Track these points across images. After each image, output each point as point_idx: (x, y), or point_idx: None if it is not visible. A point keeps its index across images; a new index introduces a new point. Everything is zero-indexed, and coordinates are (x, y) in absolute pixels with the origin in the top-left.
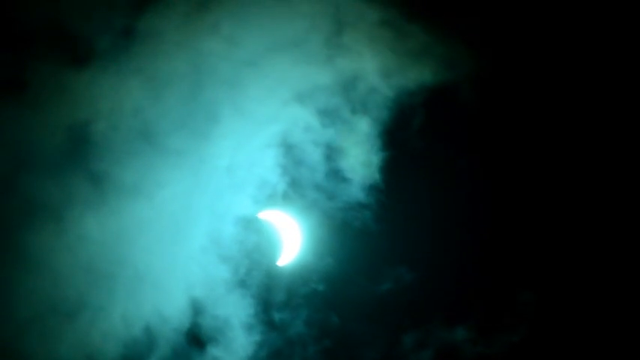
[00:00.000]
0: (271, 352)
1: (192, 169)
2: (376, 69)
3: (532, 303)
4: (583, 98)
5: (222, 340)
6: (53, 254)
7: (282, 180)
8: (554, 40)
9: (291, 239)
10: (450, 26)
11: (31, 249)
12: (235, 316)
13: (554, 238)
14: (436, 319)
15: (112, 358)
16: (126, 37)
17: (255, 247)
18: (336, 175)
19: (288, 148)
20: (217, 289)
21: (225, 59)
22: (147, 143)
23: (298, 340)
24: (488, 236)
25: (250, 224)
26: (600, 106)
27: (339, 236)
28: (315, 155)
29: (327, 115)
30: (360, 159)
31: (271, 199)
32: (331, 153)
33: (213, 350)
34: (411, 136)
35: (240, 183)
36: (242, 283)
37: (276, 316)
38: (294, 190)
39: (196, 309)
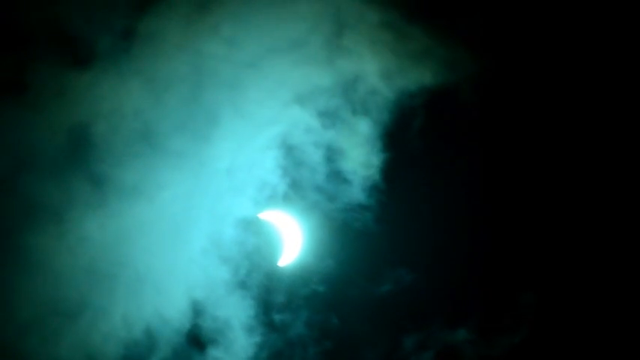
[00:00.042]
0: (271, 353)
1: (192, 171)
2: (377, 70)
3: (533, 304)
4: (584, 100)
5: (222, 341)
6: (54, 255)
7: (283, 181)
8: (555, 42)
9: (292, 240)
10: (450, 28)
11: (32, 250)
12: (236, 318)
13: (555, 240)
14: (437, 320)
15: (113, 359)
16: (126, 39)
17: (256, 248)
18: (336, 176)
19: (289, 150)
20: (218, 291)
21: (225, 61)
22: (147, 145)
23: (298, 342)
24: (488, 237)
25: (250, 226)
26: (601, 107)
27: (340, 237)
28: (315, 157)
29: (328, 117)
30: (361, 160)
31: (272, 201)
32: (331, 154)
33: (213, 351)
34: (412, 137)
35: (240, 184)
36: (242, 285)
37: (277, 317)
38: (294, 191)
39: (197, 310)
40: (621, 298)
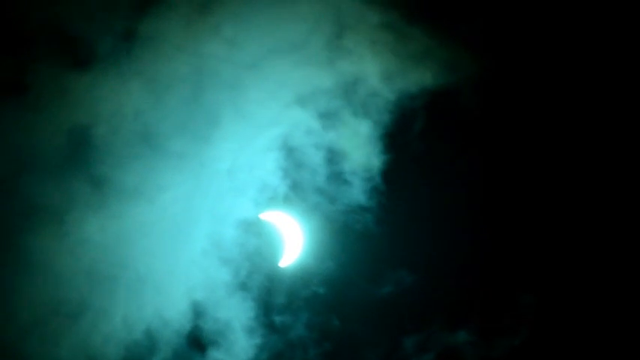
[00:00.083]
0: (272, 354)
1: (193, 172)
2: (377, 72)
3: (533, 306)
4: (585, 102)
5: (223, 342)
6: (54, 257)
7: (283, 183)
8: (557, 44)
9: (292, 242)
10: (451, 29)
11: (33, 252)
12: (236, 319)
13: (555, 242)
14: (437, 322)
15: None
16: (127, 40)
17: (256, 249)
18: (337, 178)
19: (290, 151)
20: (218, 292)
21: (226, 62)
22: (148, 146)
23: (299, 343)
24: (489, 239)
25: (251, 227)
26: (602, 110)
27: (340, 239)
28: (316, 158)
29: (329, 118)
30: (361, 162)
31: (272, 202)
32: (332, 156)
33: (214, 353)
34: (413, 139)
35: (241, 186)
36: (243, 286)
37: (277, 318)
38: (295, 192)
39: (197, 312)
40: (621, 299)
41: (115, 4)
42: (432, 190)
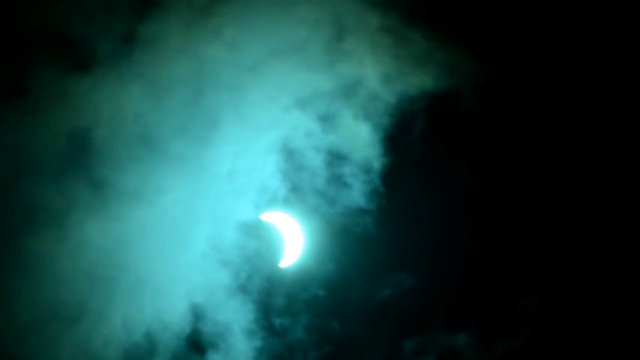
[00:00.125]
0: (271, 357)
1: (193, 175)
2: (377, 75)
3: (533, 309)
4: (585, 105)
5: (222, 345)
6: (54, 259)
7: (283, 185)
8: (557, 47)
9: (292, 244)
10: (451, 32)
11: (32, 254)
12: (236, 322)
13: (555, 244)
14: (437, 324)
15: None
16: (127, 43)
17: (256, 252)
18: (337, 180)
19: (289, 154)
20: (218, 294)
21: (226, 64)
22: (148, 149)
23: (299, 346)
24: (489, 241)
25: (251, 229)
26: (602, 112)
27: (340, 241)
28: (316, 161)
29: (328, 121)
30: (361, 164)
31: (272, 205)
32: (332, 158)
33: (213, 356)
34: (412, 141)
35: (241, 188)
36: (242, 288)
37: (277, 321)
38: (295, 195)
39: (197, 314)
40: (621, 302)
41: (115, 6)
42: (431, 193)
